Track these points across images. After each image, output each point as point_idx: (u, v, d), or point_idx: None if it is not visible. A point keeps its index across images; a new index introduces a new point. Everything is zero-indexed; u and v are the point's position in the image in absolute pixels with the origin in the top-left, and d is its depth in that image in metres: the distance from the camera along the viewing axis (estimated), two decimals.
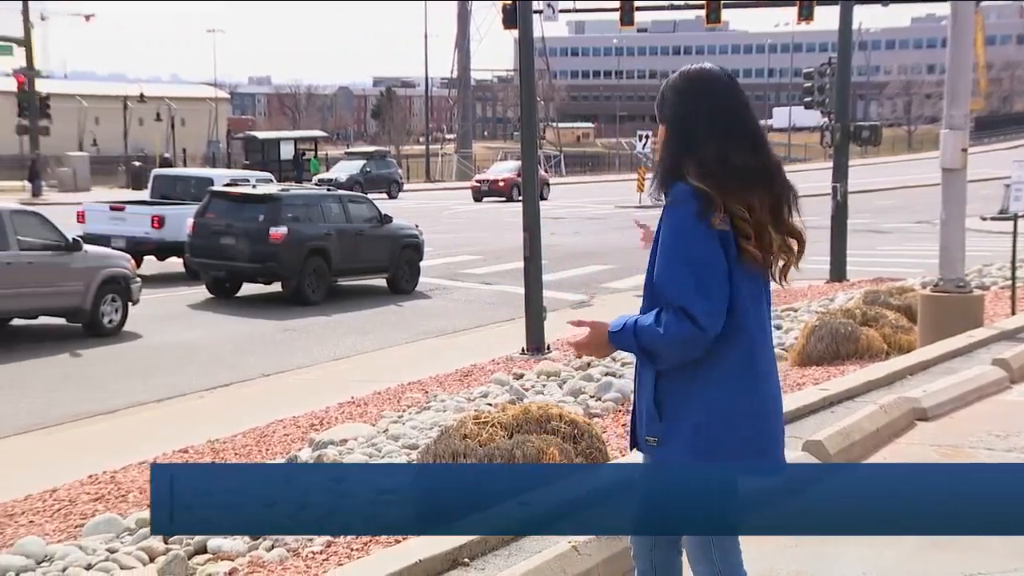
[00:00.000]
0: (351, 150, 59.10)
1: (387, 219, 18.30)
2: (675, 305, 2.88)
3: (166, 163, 49.54)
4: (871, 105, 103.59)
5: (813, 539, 4.95)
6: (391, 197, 43.91)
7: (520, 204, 12.56)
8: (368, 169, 45.81)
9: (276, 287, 17.07)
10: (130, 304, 13.99)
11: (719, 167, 2.92)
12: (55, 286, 13.18)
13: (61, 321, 13.60)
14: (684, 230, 2.91)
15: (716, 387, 2.94)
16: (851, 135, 18.68)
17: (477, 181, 46.43)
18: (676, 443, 2.98)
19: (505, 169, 45.38)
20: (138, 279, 14.28)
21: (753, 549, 3.59)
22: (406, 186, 50.93)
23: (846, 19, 18.50)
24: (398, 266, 18.11)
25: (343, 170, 45.66)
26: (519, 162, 15.13)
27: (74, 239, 13.61)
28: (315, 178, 44.50)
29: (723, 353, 2.94)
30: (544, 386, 9.25)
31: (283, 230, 16.45)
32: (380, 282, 18.17)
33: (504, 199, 41.97)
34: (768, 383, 3.01)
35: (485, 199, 43.52)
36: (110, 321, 13.71)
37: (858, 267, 18.51)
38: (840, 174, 18.43)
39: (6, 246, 12.66)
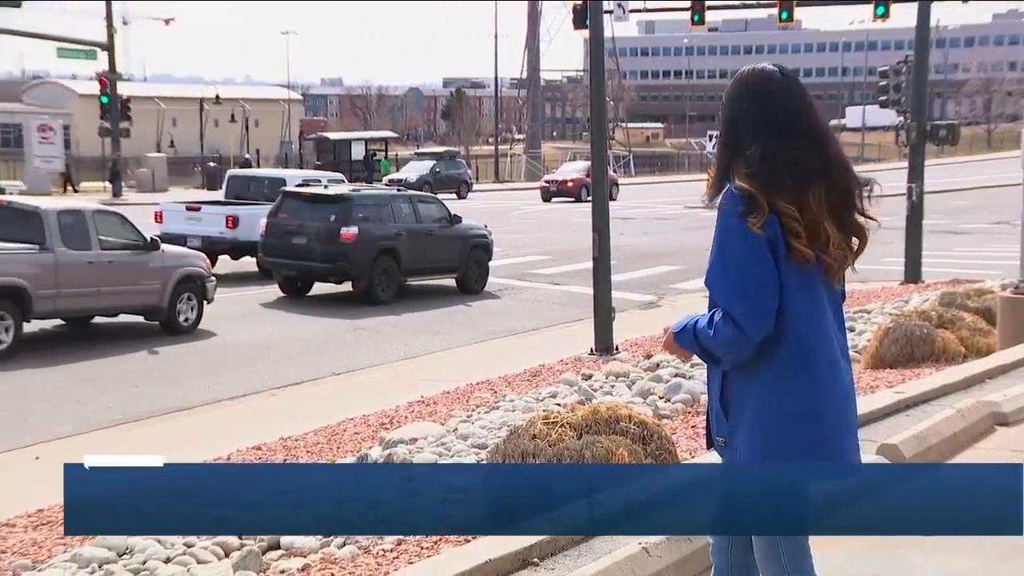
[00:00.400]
0: (421, 150, 59.43)
1: (456, 219, 18.38)
2: (721, 307, 2.92)
3: (246, 164, 50.38)
4: (948, 103, 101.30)
5: (887, 544, 4.87)
6: (460, 197, 44.11)
7: (589, 204, 12.55)
8: (438, 169, 46.04)
9: (347, 286, 17.25)
10: (205, 303, 14.24)
11: (763, 165, 2.91)
12: (134, 285, 13.46)
13: (139, 319, 13.92)
14: (728, 231, 2.93)
15: (768, 388, 2.94)
16: (928, 134, 18.33)
17: (546, 181, 46.46)
18: (739, 443, 3.00)
19: (574, 169, 45.33)
20: (213, 278, 14.53)
21: (825, 554, 3.54)
22: (475, 186, 51.09)
23: (923, 16, 18.15)
24: (467, 266, 18.18)
25: (413, 170, 45.95)
26: (588, 162, 15.11)
27: (152, 239, 13.89)
28: (385, 178, 44.88)
29: (774, 354, 2.93)
30: (613, 387, 9.21)
31: (354, 230, 16.62)
32: (449, 282, 18.27)
33: (573, 199, 41.91)
34: (827, 384, 2.96)
35: (554, 199, 43.51)
36: (186, 319, 13.98)
37: (934, 268, 18.13)
38: (916, 174, 18.09)
39: (88, 245, 12.97)
